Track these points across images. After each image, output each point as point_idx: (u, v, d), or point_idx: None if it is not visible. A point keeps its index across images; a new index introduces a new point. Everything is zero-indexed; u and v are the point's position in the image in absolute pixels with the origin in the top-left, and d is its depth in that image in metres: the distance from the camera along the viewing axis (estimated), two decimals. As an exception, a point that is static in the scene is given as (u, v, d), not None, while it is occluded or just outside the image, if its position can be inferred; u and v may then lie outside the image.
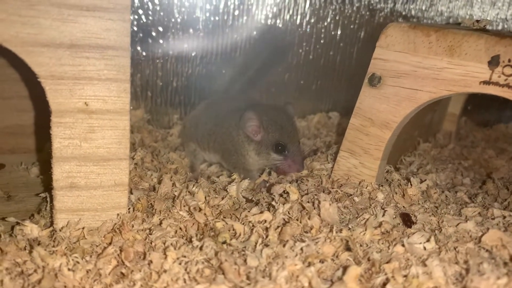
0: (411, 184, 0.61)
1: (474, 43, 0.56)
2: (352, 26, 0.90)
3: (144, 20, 0.78)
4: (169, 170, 0.68)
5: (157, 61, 0.82)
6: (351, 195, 0.61)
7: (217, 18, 0.81)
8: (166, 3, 0.78)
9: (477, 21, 0.64)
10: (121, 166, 0.51)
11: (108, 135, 0.49)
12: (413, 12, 0.91)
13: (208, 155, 0.71)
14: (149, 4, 0.78)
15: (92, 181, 0.50)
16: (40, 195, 0.58)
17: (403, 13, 0.91)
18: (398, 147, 0.75)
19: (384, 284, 0.43)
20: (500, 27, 0.96)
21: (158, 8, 0.78)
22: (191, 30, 0.82)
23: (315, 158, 0.71)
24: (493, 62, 0.55)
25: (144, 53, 0.81)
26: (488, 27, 0.64)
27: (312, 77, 0.93)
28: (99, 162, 0.50)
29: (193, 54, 0.83)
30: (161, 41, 0.81)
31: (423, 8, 0.91)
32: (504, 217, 0.55)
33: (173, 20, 0.79)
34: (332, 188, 0.62)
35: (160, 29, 0.80)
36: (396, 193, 0.61)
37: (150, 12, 0.78)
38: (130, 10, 0.46)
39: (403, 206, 0.58)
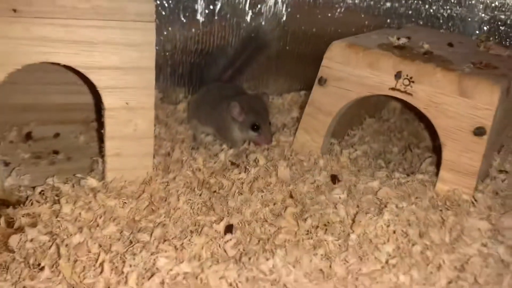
0: (342, 154, 0.90)
1: (386, 62, 0.82)
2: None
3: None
4: (178, 140, 0.96)
5: (167, 53, 1.08)
6: (302, 160, 0.89)
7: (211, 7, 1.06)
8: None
9: (398, 38, 0.90)
10: (148, 142, 0.78)
11: (140, 123, 0.76)
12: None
13: (206, 129, 0.98)
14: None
15: (131, 151, 0.78)
16: (92, 158, 0.86)
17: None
18: (345, 123, 1.02)
19: (308, 217, 0.71)
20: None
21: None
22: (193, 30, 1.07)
23: (282, 133, 0.98)
24: (397, 75, 0.81)
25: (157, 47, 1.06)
26: (406, 43, 0.90)
27: (289, 61, 1.19)
28: (135, 140, 0.77)
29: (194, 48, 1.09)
30: (165, 32, 1.06)
31: None
32: (398, 178, 0.84)
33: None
34: (291, 156, 0.90)
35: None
36: (333, 160, 0.89)
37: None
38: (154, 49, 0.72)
39: (335, 169, 0.87)
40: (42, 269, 0.58)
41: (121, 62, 0.72)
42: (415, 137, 1.08)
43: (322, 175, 0.83)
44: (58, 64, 0.70)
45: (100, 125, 0.77)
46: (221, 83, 1.05)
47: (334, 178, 0.83)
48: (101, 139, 0.78)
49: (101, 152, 0.80)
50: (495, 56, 0.93)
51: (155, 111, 1.04)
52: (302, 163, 0.88)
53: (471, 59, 0.86)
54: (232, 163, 0.88)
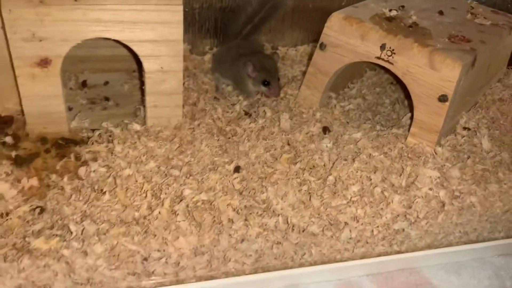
0: (335, 107, 1.09)
1: (373, 35, 0.98)
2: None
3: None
4: (203, 90, 1.17)
5: (195, 10, 1.26)
6: (302, 112, 1.09)
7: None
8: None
9: (390, 10, 1.04)
10: (178, 97, 1.00)
11: (172, 83, 0.97)
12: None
13: (227, 81, 1.18)
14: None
15: (165, 104, 0.99)
16: (135, 106, 1.08)
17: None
18: (346, 77, 1.20)
19: (298, 161, 0.93)
20: None
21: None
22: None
23: (289, 86, 1.17)
24: (382, 47, 0.97)
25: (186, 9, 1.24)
26: (397, 15, 1.04)
27: (303, 15, 1.35)
28: (168, 95, 0.99)
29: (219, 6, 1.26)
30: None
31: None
32: (378, 131, 1.03)
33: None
34: (294, 107, 1.10)
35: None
36: (328, 113, 1.09)
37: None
38: (182, 25, 0.90)
39: (329, 121, 1.06)
40: (104, 193, 0.83)
41: (156, 36, 0.91)
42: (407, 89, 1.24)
43: (316, 126, 1.03)
44: (109, 39, 0.90)
45: (142, 80, 0.98)
46: (240, 40, 1.23)
47: (325, 129, 1.03)
48: (142, 91, 1.00)
49: (142, 103, 1.02)
50: (478, 25, 1.07)
51: (185, 63, 1.25)
52: (302, 114, 1.08)
53: (452, 31, 1.01)
54: (246, 113, 1.08)
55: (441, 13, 1.09)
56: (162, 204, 0.80)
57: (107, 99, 1.13)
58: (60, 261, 0.71)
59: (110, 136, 0.98)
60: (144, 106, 1.01)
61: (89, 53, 1.18)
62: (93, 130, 1.00)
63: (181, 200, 0.81)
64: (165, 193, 0.82)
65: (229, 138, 1.00)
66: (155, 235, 0.76)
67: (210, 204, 0.81)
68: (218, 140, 0.98)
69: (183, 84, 1.13)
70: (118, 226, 0.77)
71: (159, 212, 0.78)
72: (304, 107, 1.10)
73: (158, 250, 0.75)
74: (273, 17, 1.29)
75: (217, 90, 1.18)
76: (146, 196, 0.82)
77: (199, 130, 1.01)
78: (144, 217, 0.78)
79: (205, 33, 1.30)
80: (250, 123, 1.02)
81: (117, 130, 0.99)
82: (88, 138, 0.98)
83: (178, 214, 0.79)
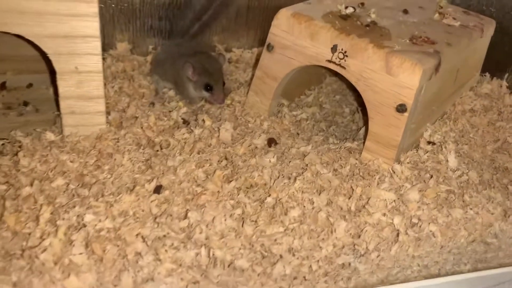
0: (285, 117, 0.96)
1: (324, 34, 0.85)
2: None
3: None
4: (139, 94, 1.03)
5: (136, 5, 1.12)
6: (248, 122, 0.95)
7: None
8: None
9: (346, 7, 0.92)
10: (99, 101, 0.86)
11: (91, 85, 0.84)
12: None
13: (166, 84, 1.05)
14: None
15: (83, 110, 0.86)
16: (54, 112, 0.94)
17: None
18: (301, 83, 1.07)
19: (233, 180, 0.79)
20: None
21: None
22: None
23: (237, 92, 1.04)
24: (333, 48, 0.85)
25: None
26: (353, 13, 0.92)
27: (259, 14, 1.22)
28: (87, 100, 0.85)
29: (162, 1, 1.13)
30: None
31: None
32: (330, 144, 0.90)
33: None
34: (240, 116, 0.97)
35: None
36: (277, 123, 0.95)
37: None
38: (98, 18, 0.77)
39: (277, 132, 0.93)
40: (-8, 217, 0.69)
41: (67, 32, 0.78)
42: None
43: (261, 138, 0.90)
44: (8, 33, 0.76)
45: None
46: (184, 40, 1.10)
47: (271, 141, 0.90)
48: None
49: (58, 108, 0.88)
50: (446, 26, 0.95)
51: (122, 63, 1.11)
52: (248, 124, 0.95)
53: (415, 31, 0.88)
54: (184, 121, 0.95)
55: (405, 11, 0.97)
56: (56, 233, 0.66)
57: (25, 103, 0.99)
58: None
59: (19, 147, 0.84)
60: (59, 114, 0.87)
61: (12, 51, 1.04)
62: (-2, 140, 0.86)
63: (80, 228, 0.67)
64: (63, 219, 0.68)
65: (157, 151, 0.86)
66: (41, 272, 0.62)
67: (116, 233, 0.67)
68: (143, 153, 0.85)
69: (113, 87, 1.00)
70: (-3, 260, 0.63)
71: (50, 243, 0.64)
72: (251, 115, 0.97)
73: (43, 292, 0.61)
74: (225, 15, 1.16)
75: (156, 95, 1.05)
76: (38, 222, 0.68)
77: (124, 141, 0.87)
78: (30, 248, 0.64)
79: (148, 31, 1.17)
80: (183, 134, 0.89)
81: (27, 140, 0.85)
82: (-9, 148, 0.84)
83: (74, 245, 0.65)
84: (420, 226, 0.73)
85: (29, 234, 0.67)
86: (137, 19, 1.14)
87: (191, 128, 0.91)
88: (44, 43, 0.78)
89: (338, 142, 0.91)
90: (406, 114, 0.80)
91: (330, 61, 0.85)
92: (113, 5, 1.11)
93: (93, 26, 0.78)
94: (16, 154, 0.81)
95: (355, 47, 0.82)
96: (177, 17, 1.15)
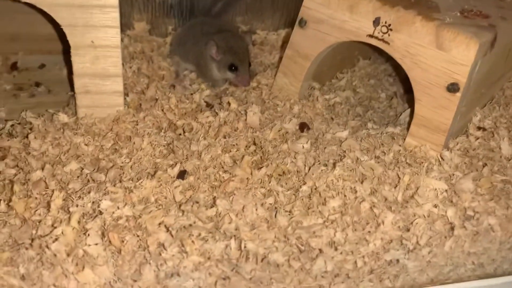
0: (318, 100, 0.88)
1: (365, 6, 0.77)
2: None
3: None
4: (158, 76, 0.95)
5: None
6: (277, 105, 0.87)
7: None
8: None
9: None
10: (117, 80, 0.79)
11: (107, 61, 0.76)
12: None
13: (188, 65, 0.97)
14: None
15: (100, 89, 0.78)
16: (68, 93, 0.88)
17: None
18: (333, 65, 0.99)
19: (263, 166, 0.72)
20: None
21: None
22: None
23: (264, 74, 0.96)
24: (376, 22, 0.76)
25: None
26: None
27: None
28: (103, 78, 0.78)
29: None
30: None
31: None
32: (369, 129, 0.81)
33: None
34: (268, 99, 0.89)
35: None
36: (309, 106, 0.87)
37: None
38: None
39: (309, 116, 0.85)
40: (-2, 202, 0.62)
41: (84, 0, 0.71)
42: (409, 82, 1.04)
43: (292, 123, 0.82)
44: (19, 1, 0.69)
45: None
46: (207, 18, 1.02)
47: (303, 126, 0.81)
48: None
49: (72, 88, 0.81)
50: (498, 0, 0.86)
51: (141, 44, 1.04)
52: (276, 108, 0.87)
53: (465, 5, 0.80)
54: (207, 104, 0.87)
55: (451, -15, 0.88)
56: (69, 220, 0.59)
57: (37, 84, 0.92)
58: None
59: (30, 129, 0.77)
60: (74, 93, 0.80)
61: (24, 29, 0.98)
62: (7, 121, 0.79)
63: (96, 216, 0.60)
64: (76, 205, 0.61)
65: (180, 134, 0.79)
66: (52, 264, 0.54)
67: (135, 222, 0.60)
68: (165, 136, 0.77)
69: (131, 68, 0.93)
70: (2, 250, 0.55)
71: (62, 232, 0.57)
72: (280, 99, 0.89)
73: (54, 286, 0.53)
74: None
75: (177, 77, 0.97)
76: (49, 208, 0.60)
77: (144, 124, 0.80)
78: (40, 237, 0.57)
79: (168, 11, 1.09)
80: (208, 117, 0.81)
81: (38, 121, 0.78)
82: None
83: (89, 234, 0.57)
84: (477, 219, 0.65)
85: (39, 221, 0.60)
86: (157, -3, 1.07)
87: (216, 111, 0.83)
88: (58, 13, 0.71)
89: (378, 127, 0.83)
90: (458, 94, 0.71)
91: (371, 36, 0.77)
92: (131, -18, 1.04)
93: (112, -5, 0.71)
94: (27, 136, 0.75)
95: (401, 19, 0.73)
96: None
